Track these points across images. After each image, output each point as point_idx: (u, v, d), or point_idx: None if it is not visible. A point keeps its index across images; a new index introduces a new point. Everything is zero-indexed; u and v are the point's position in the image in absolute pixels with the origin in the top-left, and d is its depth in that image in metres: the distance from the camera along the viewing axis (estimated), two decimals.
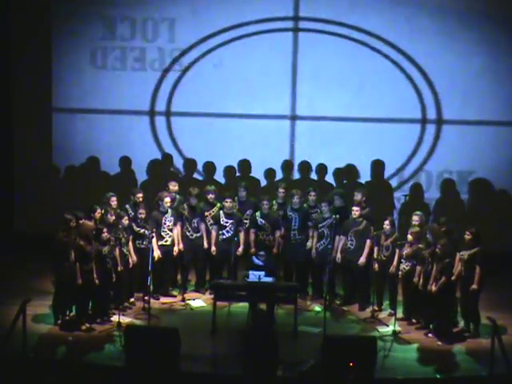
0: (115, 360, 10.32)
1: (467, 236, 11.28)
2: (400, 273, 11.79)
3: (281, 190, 13.05)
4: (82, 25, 14.58)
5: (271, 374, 9.84)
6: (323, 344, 10.07)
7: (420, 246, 11.57)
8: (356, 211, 12.31)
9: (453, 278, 11.18)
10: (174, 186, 13.01)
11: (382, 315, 12.08)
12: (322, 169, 14.64)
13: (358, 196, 12.62)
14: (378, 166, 14.55)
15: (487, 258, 11.25)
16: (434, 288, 11.11)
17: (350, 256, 12.36)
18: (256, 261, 12.08)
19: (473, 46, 14.20)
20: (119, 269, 11.69)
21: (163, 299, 12.61)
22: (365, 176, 14.59)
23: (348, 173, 14.59)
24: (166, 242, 12.59)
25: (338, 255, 12.41)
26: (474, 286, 11.17)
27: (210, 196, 12.86)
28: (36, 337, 10.87)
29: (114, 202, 12.21)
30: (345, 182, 14.56)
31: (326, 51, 14.42)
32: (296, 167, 14.75)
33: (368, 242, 12.24)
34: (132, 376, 9.91)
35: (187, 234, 12.76)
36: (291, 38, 14.50)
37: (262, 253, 12.09)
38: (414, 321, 11.79)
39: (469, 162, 14.45)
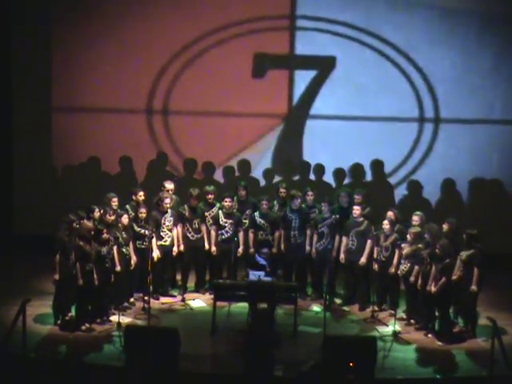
0: (115, 360, 10.33)
1: (465, 237, 11.32)
2: (399, 273, 11.80)
3: (282, 190, 13.05)
4: (82, 24, 14.57)
5: (270, 374, 9.85)
6: (323, 344, 10.08)
7: (419, 245, 11.57)
8: (357, 210, 12.32)
9: (455, 277, 11.19)
10: (169, 185, 12.98)
11: (382, 315, 12.08)
12: (321, 169, 14.64)
13: (358, 196, 12.62)
14: (377, 166, 14.55)
15: (486, 258, 11.25)
16: (433, 288, 11.11)
17: (352, 256, 12.37)
18: (258, 258, 12.09)
19: (471, 45, 14.20)
20: (118, 269, 11.68)
21: (163, 299, 12.62)
22: (365, 176, 14.59)
23: (348, 172, 14.59)
24: (165, 242, 12.59)
25: (342, 256, 12.42)
26: (473, 288, 11.17)
27: (210, 196, 12.86)
28: (36, 337, 10.87)
29: (115, 202, 12.21)
30: (345, 181, 14.56)
31: (325, 50, 14.42)
32: (296, 167, 14.76)
33: (369, 242, 12.25)
34: (132, 376, 9.91)
35: (188, 235, 12.76)
36: (288, 36, 14.49)
37: (264, 250, 12.10)
38: (412, 321, 11.79)
39: (467, 161, 14.44)
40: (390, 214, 12.15)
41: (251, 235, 12.75)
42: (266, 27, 14.43)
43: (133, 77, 14.64)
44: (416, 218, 12.00)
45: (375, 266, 12.08)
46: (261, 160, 14.75)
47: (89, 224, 11.43)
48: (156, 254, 12.28)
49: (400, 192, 14.62)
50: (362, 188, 13.18)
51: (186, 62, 14.62)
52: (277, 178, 14.66)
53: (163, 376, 9.89)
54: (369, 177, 14.62)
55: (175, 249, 12.64)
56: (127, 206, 12.58)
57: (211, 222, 12.82)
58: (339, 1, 14.35)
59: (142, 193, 12.62)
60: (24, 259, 14.06)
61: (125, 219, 11.99)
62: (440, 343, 11.12)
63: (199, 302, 12.60)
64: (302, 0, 14.36)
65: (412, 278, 11.51)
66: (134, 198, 12.66)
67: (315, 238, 12.62)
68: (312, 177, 14.67)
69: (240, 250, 12.72)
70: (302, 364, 10.21)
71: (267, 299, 11.45)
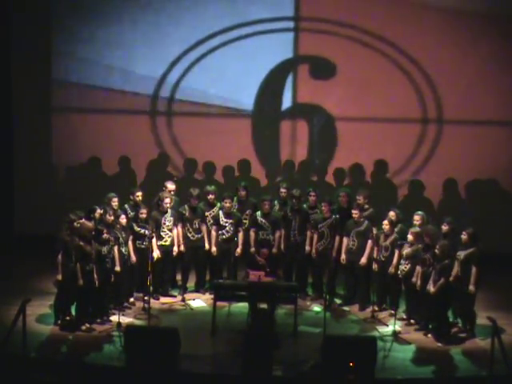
0: (115, 360, 10.33)
1: (463, 236, 11.34)
2: (400, 273, 11.79)
3: (282, 190, 13.04)
4: (82, 24, 14.58)
5: (270, 374, 9.85)
6: (323, 344, 10.08)
7: (420, 246, 11.56)
8: (355, 214, 12.32)
9: (451, 279, 11.19)
10: (171, 186, 12.99)
11: (382, 315, 12.08)
12: (322, 169, 14.65)
13: (359, 197, 12.62)
14: (379, 166, 14.55)
15: (484, 258, 11.26)
16: (432, 289, 11.11)
17: (352, 256, 12.36)
18: (258, 259, 12.11)
19: (474, 46, 14.20)
20: (117, 269, 11.68)
21: (163, 299, 12.62)
22: (367, 176, 14.59)
23: (349, 173, 14.60)
24: (165, 242, 12.59)
25: (343, 256, 12.42)
26: (471, 287, 11.18)
27: (210, 196, 12.87)
28: (36, 337, 10.86)
29: (115, 202, 12.21)
30: (346, 182, 14.57)
31: (327, 51, 14.42)
32: (296, 167, 14.76)
33: (369, 242, 12.25)
34: (132, 376, 9.91)
35: (188, 235, 12.76)
36: (292, 37, 14.50)
37: (263, 250, 12.12)
38: (412, 321, 11.79)
39: (470, 162, 14.44)
40: (391, 213, 12.14)
41: (252, 234, 12.73)
42: (270, 29, 14.43)
43: (134, 77, 14.63)
44: (417, 218, 11.98)
45: (375, 266, 12.08)
46: (261, 160, 14.76)
47: (89, 224, 11.43)
48: (156, 253, 12.28)
49: (402, 192, 14.61)
50: (364, 189, 13.16)
51: (188, 63, 14.63)
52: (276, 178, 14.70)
53: (163, 376, 9.89)
54: (370, 177, 14.61)
55: (175, 249, 12.65)
56: (126, 206, 12.59)
57: (212, 221, 12.82)
58: (342, 2, 14.36)
59: (139, 193, 12.61)
60: (24, 259, 14.06)
61: (122, 220, 11.98)
62: (440, 344, 11.11)
63: (199, 301, 12.60)
64: (306, 2, 14.38)
65: (414, 279, 11.50)
66: (132, 198, 12.67)
67: (315, 238, 12.62)
68: (313, 177, 14.70)
69: (238, 250, 12.73)
70: (302, 364, 10.22)
71: (267, 299, 11.46)
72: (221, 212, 12.80)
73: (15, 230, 15.12)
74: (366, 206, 12.63)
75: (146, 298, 11.79)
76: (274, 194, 13.26)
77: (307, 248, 12.67)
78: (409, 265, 11.64)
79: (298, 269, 12.92)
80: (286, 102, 14.67)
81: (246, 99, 14.64)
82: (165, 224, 12.57)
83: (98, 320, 11.48)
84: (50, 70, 14.77)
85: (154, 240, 12.20)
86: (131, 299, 12.34)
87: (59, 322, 11.39)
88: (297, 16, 14.46)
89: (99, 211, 11.90)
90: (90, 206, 11.94)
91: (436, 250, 11.13)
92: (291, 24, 14.50)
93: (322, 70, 14.49)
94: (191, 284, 13.05)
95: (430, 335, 11.34)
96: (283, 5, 14.39)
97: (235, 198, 13.01)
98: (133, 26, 14.54)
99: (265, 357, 9.83)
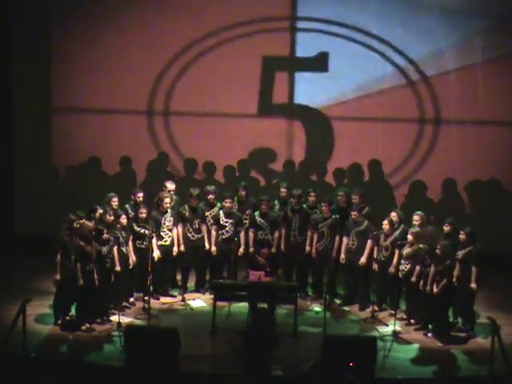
0: (115, 360, 10.33)
1: (461, 236, 11.37)
2: (400, 273, 11.79)
3: (282, 190, 13.05)
4: (82, 24, 14.57)
5: (270, 374, 9.85)
6: (323, 344, 10.08)
7: (420, 246, 11.56)
8: (354, 216, 12.32)
9: (453, 279, 11.19)
10: (171, 185, 12.98)
11: (382, 315, 12.08)
12: (321, 169, 14.64)
13: (355, 197, 12.63)
14: (377, 166, 14.55)
15: (484, 257, 11.27)
16: (435, 289, 11.10)
17: (352, 256, 12.37)
18: (258, 259, 12.11)
19: (471, 46, 14.19)
20: (117, 269, 11.68)
21: (163, 299, 12.62)
22: (365, 176, 14.59)
23: (348, 172, 14.59)
24: (165, 242, 12.59)
25: (342, 256, 12.42)
26: (473, 285, 11.18)
27: (210, 196, 12.87)
28: (36, 337, 10.86)
29: (115, 202, 12.21)
30: (346, 182, 14.57)
31: (325, 51, 14.41)
32: (296, 167, 14.76)
33: (369, 242, 12.25)
34: (132, 376, 9.91)
35: (188, 235, 12.76)
36: (289, 37, 14.50)
37: (264, 250, 12.13)
38: (412, 321, 11.79)
39: (469, 162, 14.43)
40: (392, 214, 12.15)
41: (251, 234, 12.74)
42: (267, 28, 14.43)
43: (133, 77, 14.63)
44: (416, 218, 11.98)
45: (375, 266, 12.09)
46: (261, 160, 14.76)
47: (90, 224, 11.43)
48: (156, 253, 12.28)
49: (402, 192, 14.60)
50: (359, 188, 13.15)
51: (186, 63, 14.63)
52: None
53: (163, 376, 9.89)
54: (369, 177, 14.61)
55: (175, 249, 12.65)
56: (126, 206, 12.59)
57: (212, 221, 12.82)
58: (339, 2, 14.36)
59: (140, 194, 12.60)
60: (24, 259, 14.06)
61: (123, 220, 11.98)
62: (440, 343, 11.11)
63: (199, 301, 12.60)
64: (303, 1, 14.38)
65: (413, 279, 11.50)
66: (132, 197, 12.67)
67: (315, 238, 12.62)
68: (313, 177, 14.70)
69: (241, 249, 12.74)
70: (302, 364, 10.22)
71: (267, 299, 11.46)
72: (221, 212, 12.80)
73: (15, 229, 15.12)
74: (362, 205, 12.63)
75: (146, 298, 11.79)
76: (274, 194, 13.26)
77: (307, 248, 12.68)
78: (409, 265, 11.65)
79: (297, 269, 12.92)
80: (284, 101, 14.65)
81: (245, 99, 14.62)
82: (165, 224, 12.57)
83: (98, 320, 11.48)
84: (50, 69, 14.76)
85: (154, 240, 12.20)
86: (131, 299, 12.35)
87: (59, 321, 11.39)
88: (294, 15, 14.45)
89: (100, 211, 11.90)
90: (91, 206, 11.94)
91: (437, 251, 11.12)
92: (288, 23, 14.48)
93: (320, 70, 14.49)
94: (191, 284, 13.05)
95: (430, 335, 11.34)
96: (280, 4, 14.39)
97: (235, 198, 13.02)
98: (132, 26, 14.53)
99: (265, 357, 9.83)
